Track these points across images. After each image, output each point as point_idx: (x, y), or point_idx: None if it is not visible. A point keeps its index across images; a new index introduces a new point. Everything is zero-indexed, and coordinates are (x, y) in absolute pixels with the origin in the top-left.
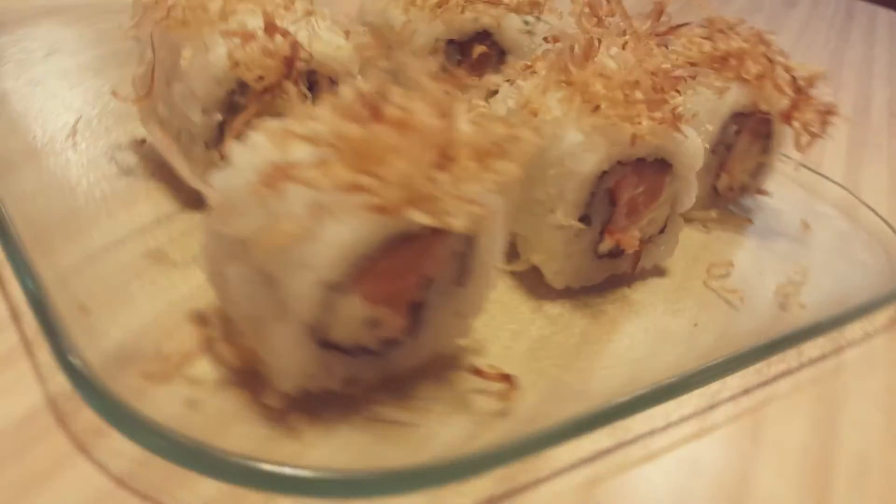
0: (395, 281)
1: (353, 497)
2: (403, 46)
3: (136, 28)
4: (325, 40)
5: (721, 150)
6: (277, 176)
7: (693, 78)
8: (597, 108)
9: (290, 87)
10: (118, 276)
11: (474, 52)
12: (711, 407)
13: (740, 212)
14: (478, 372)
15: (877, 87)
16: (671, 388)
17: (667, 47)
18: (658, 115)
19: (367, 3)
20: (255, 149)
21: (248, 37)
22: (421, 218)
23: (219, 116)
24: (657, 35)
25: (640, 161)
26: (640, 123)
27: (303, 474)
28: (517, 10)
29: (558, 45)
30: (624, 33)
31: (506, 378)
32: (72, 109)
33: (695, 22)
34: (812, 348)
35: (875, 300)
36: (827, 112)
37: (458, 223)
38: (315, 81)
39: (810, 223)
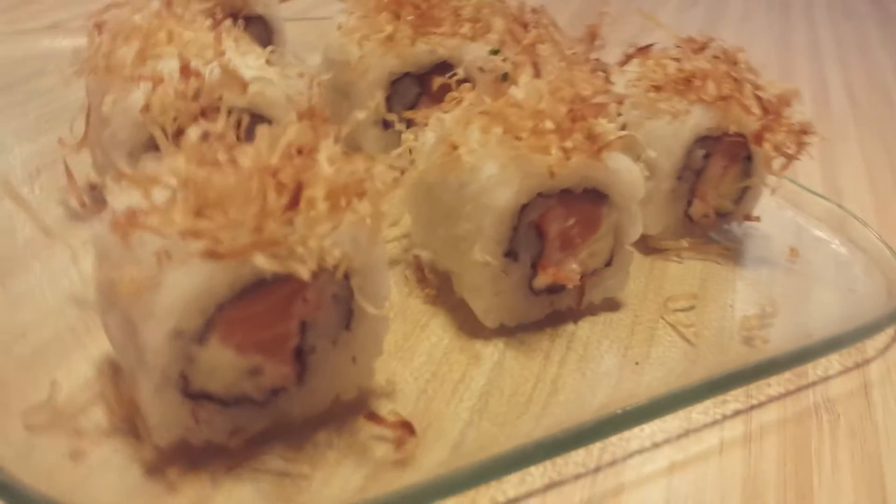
0: (264, 328)
1: None
2: (359, 82)
3: (77, 77)
4: (254, 79)
5: (688, 175)
6: (127, 222)
7: (619, 103)
8: (515, 138)
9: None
10: (36, 321)
11: (434, 85)
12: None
13: (723, 240)
14: (373, 418)
15: (829, 71)
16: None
17: (605, 72)
18: (569, 144)
19: (329, 41)
20: (124, 193)
21: (158, 80)
22: (264, 263)
23: (142, 158)
24: (595, 59)
25: (567, 193)
26: (549, 153)
27: None
28: (475, 39)
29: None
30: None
31: (404, 425)
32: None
33: (659, 43)
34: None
35: (845, 333)
36: (801, 132)
37: (303, 269)
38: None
39: (799, 248)
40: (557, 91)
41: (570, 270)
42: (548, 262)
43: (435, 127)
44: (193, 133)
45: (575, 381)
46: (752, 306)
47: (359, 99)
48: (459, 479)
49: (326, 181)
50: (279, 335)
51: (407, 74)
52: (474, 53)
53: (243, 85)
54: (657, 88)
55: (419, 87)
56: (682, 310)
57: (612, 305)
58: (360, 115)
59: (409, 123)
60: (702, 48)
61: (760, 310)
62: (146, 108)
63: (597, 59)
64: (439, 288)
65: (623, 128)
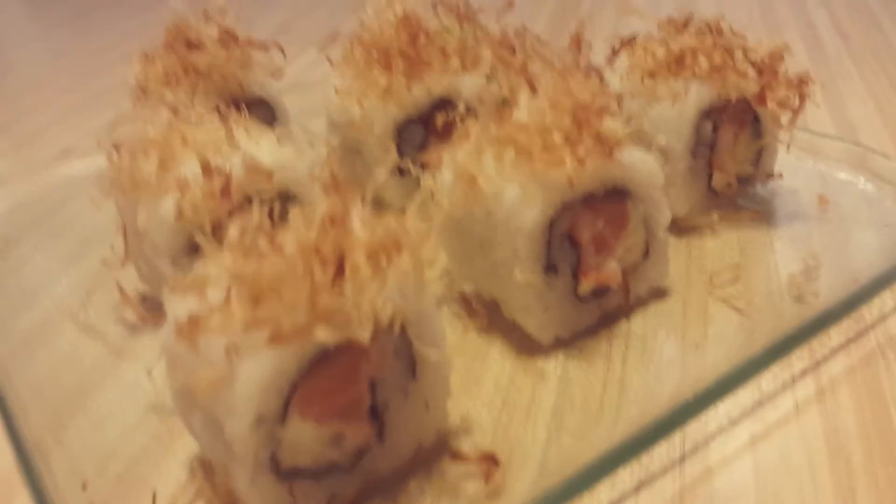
0: (337, 395)
1: None
2: (367, 138)
3: (105, 198)
4: (271, 160)
5: (702, 150)
6: (190, 328)
7: (618, 101)
8: (529, 159)
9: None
10: (122, 437)
11: (437, 123)
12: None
13: (752, 204)
14: (457, 456)
15: (814, 14)
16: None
17: (600, 75)
18: (581, 151)
19: (330, 106)
20: (181, 300)
21: (184, 185)
22: (324, 336)
23: (187, 262)
24: (586, 64)
25: (591, 197)
26: (564, 164)
27: None
28: (467, 70)
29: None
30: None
31: (488, 457)
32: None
33: (641, 31)
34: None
35: (891, 269)
36: (800, 83)
37: (362, 332)
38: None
39: (827, 194)
40: (558, 104)
41: (611, 270)
42: (587, 268)
43: (449, 165)
44: (234, 229)
45: (641, 377)
46: (795, 263)
47: (371, 154)
48: (553, 498)
49: (364, 245)
50: (352, 399)
51: (410, 120)
52: (470, 83)
53: (268, 174)
54: (651, 75)
55: (424, 128)
56: (728, 283)
57: (659, 294)
58: (381, 174)
59: (423, 166)
60: (684, 26)
61: (804, 265)
62: (179, 214)
63: (587, 64)
64: (489, 317)
65: (628, 121)
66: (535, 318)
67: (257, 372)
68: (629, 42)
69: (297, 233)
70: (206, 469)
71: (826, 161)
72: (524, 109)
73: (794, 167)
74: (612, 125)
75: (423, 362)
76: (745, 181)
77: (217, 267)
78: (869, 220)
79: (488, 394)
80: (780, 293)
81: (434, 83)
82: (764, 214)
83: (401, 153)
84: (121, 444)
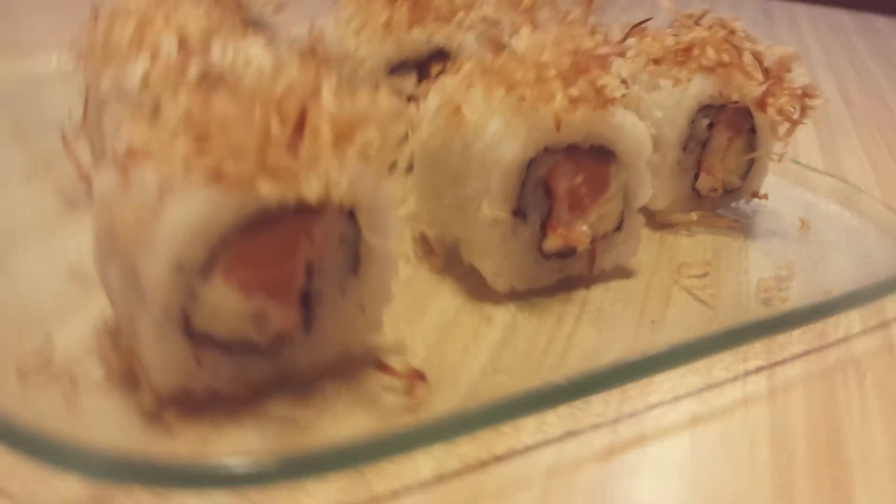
0: (269, 267)
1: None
2: (356, 71)
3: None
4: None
5: (694, 146)
6: (128, 157)
7: (622, 55)
8: (520, 96)
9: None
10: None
11: (432, 72)
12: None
13: (732, 215)
14: (384, 367)
15: (822, 78)
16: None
17: (606, 34)
18: (574, 91)
19: (326, 35)
20: (124, 137)
21: (155, 55)
22: (269, 190)
23: None
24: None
25: (574, 148)
26: (554, 101)
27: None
28: (472, 27)
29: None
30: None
31: (416, 374)
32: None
33: (654, 19)
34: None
35: (865, 288)
36: (804, 95)
37: (310, 192)
38: None
39: (811, 221)
40: (559, 44)
41: (580, 233)
42: (557, 223)
43: (437, 93)
44: (194, 70)
45: (590, 338)
46: (767, 271)
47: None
48: (473, 419)
49: (330, 115)
50: (285, 275)
51: (405, 62)
52: (472, 41)
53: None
54: (656, 61)
55: (418, 74)
56: (696, 276)
57: (624, 273)
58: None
59: (411, 99)
60: (698, 20)
61: (776, 273)
62: (145, 82)
63: (595, 22)
64: (447, 260)
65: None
66: (494, 264)
67: (187, 213)
68: (639, 28)
69: (261, 84)
70: (110, 331)
71: (814, 193)
72: (524, 41)
73: (780, 191)
74: (611, 80)
75: (368, 259)
76: (730, 193)
77: (171, 111)
78: (849, 249)
79: (429, 324)
80: (748, 294)
81: (435, 31)
82: (743, 226)
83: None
84: (30, 293)
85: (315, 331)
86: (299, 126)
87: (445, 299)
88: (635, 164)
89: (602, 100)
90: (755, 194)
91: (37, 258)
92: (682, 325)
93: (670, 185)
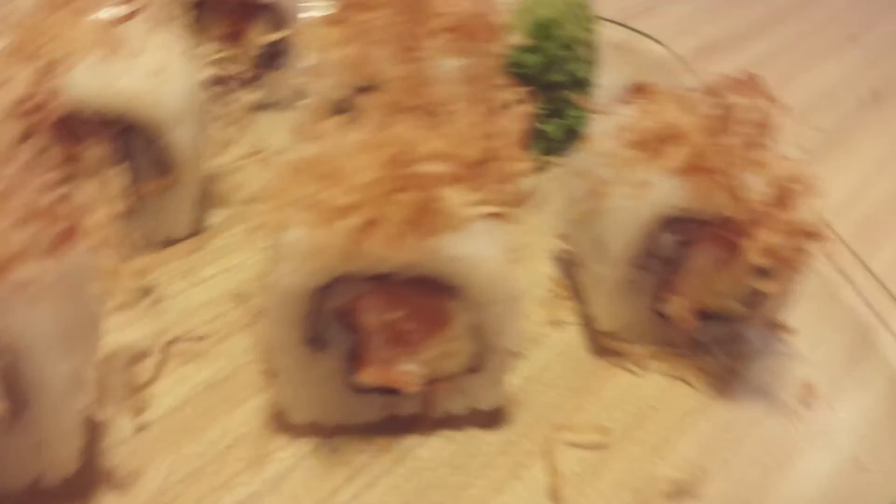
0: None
1: None
2: None
3: None
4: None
5: (655, 265)
6: None
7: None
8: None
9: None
10: None
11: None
12: None
13: (721, 352)
14: None
15: None
16: None
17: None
18: (394, 209)
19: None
20: None
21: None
22: None
23: None
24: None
25: (388, 278)
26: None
27: None
28: None
29: None
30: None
31: None
32: None
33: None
34: None
35: None
36: (805, 233)
37: None
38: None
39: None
40: (384, 146)
41: (404, 372)
42: (370, 359)
43: None
44: None
45: None
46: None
47: None
48: None
49: None
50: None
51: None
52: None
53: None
54: (637, 145)
55: None
56: (581, 446)
57: (483, 421)
58: None
59: None
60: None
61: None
62: None
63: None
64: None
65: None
66: (292, 391)
67: None
68: (640, 91)
69: None
70: None
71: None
72: (353, 137)
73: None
74: (460, 195)
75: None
76: (722, 320)
77: None
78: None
79: (191, 452)
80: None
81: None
82: (720, 374)
83: None
84: None
85: None
86: None
87: (236, 419)
88: (488, 303)
89: (433, 222)
90: (773, 325)
91: None
92: None
93: (616, 305)
